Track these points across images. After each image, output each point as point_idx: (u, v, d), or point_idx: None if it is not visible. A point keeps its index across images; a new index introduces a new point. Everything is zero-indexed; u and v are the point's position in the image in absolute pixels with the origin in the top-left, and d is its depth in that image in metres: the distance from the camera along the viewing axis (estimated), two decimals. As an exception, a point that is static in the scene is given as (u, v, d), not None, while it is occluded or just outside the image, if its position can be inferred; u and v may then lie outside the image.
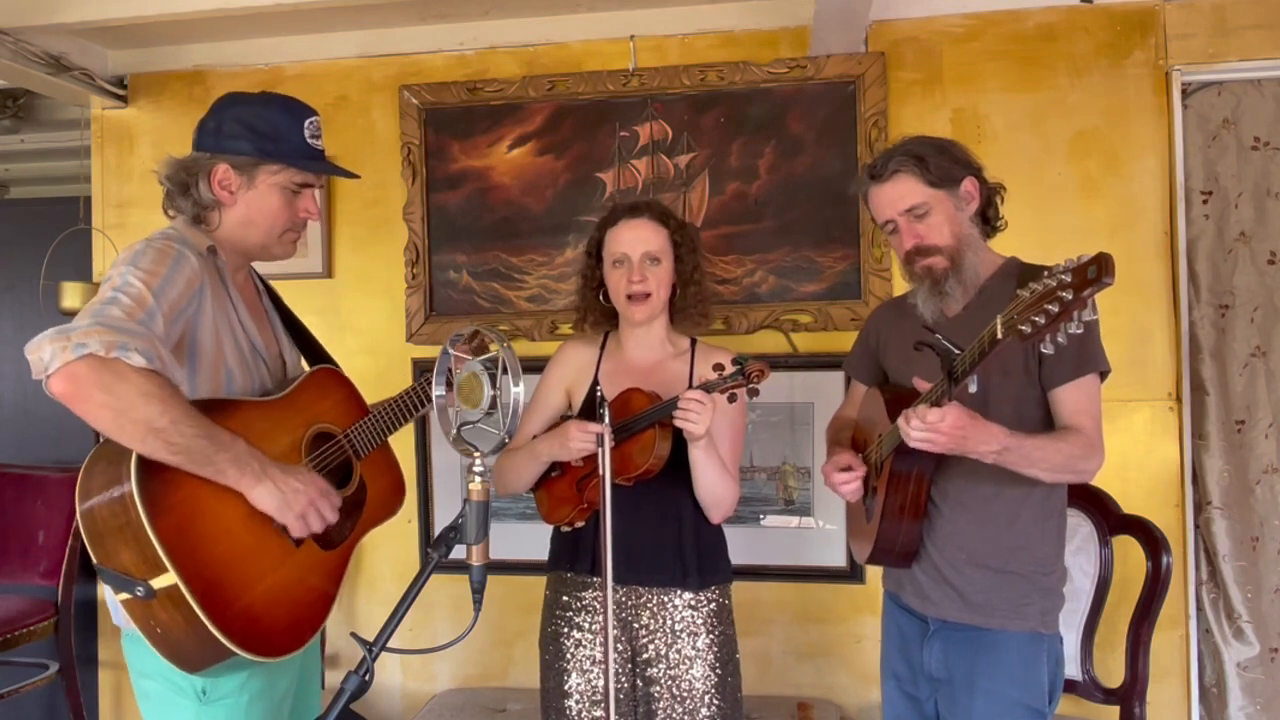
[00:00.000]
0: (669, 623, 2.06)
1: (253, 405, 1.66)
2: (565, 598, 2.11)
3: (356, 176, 2.00)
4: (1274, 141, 2.82)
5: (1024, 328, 1.45)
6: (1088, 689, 2.51)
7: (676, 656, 2.05)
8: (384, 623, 1.41)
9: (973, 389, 1.60)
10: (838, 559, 2.95)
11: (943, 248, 1.86)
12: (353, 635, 1.44)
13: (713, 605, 2.08)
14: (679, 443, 1.99)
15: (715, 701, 2.04)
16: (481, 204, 3.15)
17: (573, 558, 2.10)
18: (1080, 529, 2.54)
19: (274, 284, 1.98)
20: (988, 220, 1.95)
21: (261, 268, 1.94)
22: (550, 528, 2.17)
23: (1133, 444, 2.81)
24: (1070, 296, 1.40)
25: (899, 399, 1.78)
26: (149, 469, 1.45)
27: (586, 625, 2.08)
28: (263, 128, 1.71)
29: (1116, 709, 2.45)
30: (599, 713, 2.06)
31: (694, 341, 2.20)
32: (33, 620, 3.13)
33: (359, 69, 3.22)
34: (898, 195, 1.88)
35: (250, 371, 1.72)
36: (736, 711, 2.09)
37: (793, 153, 2.97)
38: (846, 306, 2.93)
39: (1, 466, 3.46)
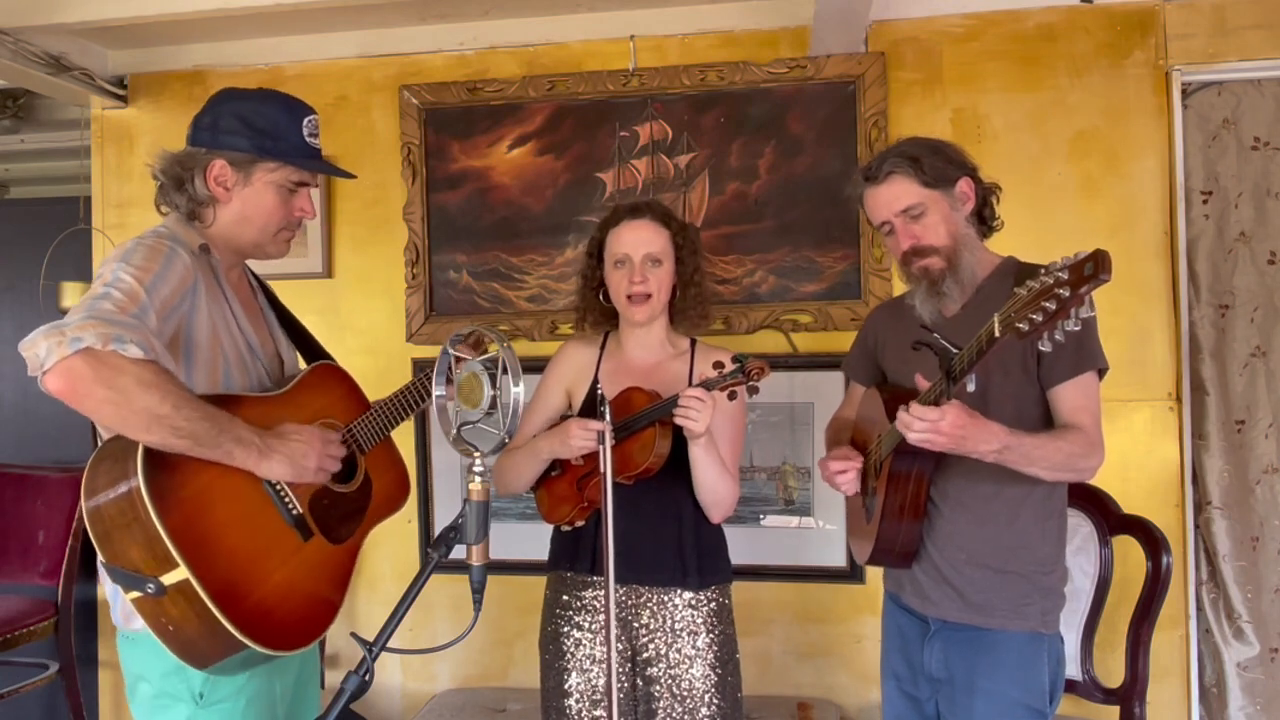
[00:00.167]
0: (669, 622, 2.06)
1: (256, 400, 1.65)
2: (565, 597, 2.11)
3: (353, 176, 1.99)
4: (1274, 141, 2.82)
5: (1022, 325, 1.46)
6: (1088, 689, 2.51)
7: (676, 656, 2.05)
8: (384, 623, 1.41)
9: (971, 388, 1.61)
10: (838, 559, 2.95)
11: (939, 248, 1.86)
12: (353, 635, 1.44)
13: (713, 605, 2.08)
14: (679, 442, 1.99)
15: (715, 701, 2.04)
16: (481, 204, 3.15)
17: (573, 557, 2.10)
18: (1080, 529, 2.54)
19: (274, 284, 1.97)
20: (984, 220, 1.95)
21: (261, 267, 1.94)
22: (550, 528, 2.17)
23: (1133, 444, 2.81)
24: (1068, 294, 1.40)
25: (898, 399, 1.77)
26: (155, 464, 1.44)
27: (586, 624, 2.08)
28: (261, 124, 1.69)
29: (1116, 709, 2.45)
30: (599, 712, 2.06)
31: (694, 342, 2.20)
32: (33, 620, 3.13)
33: (359, 69, 3.22)
34: (893, 196, 1.88)
35: (248, 370, 1.71)
36: (736, 711, 2.09)
37: (793, 153, 2.97)
38: (846, 306, 2.93)
39: (1, 466, 3.46)
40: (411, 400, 1.90)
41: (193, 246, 1.64)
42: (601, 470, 1.73)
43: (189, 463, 1.47)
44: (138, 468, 1.43)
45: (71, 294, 3.47)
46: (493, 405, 1.50)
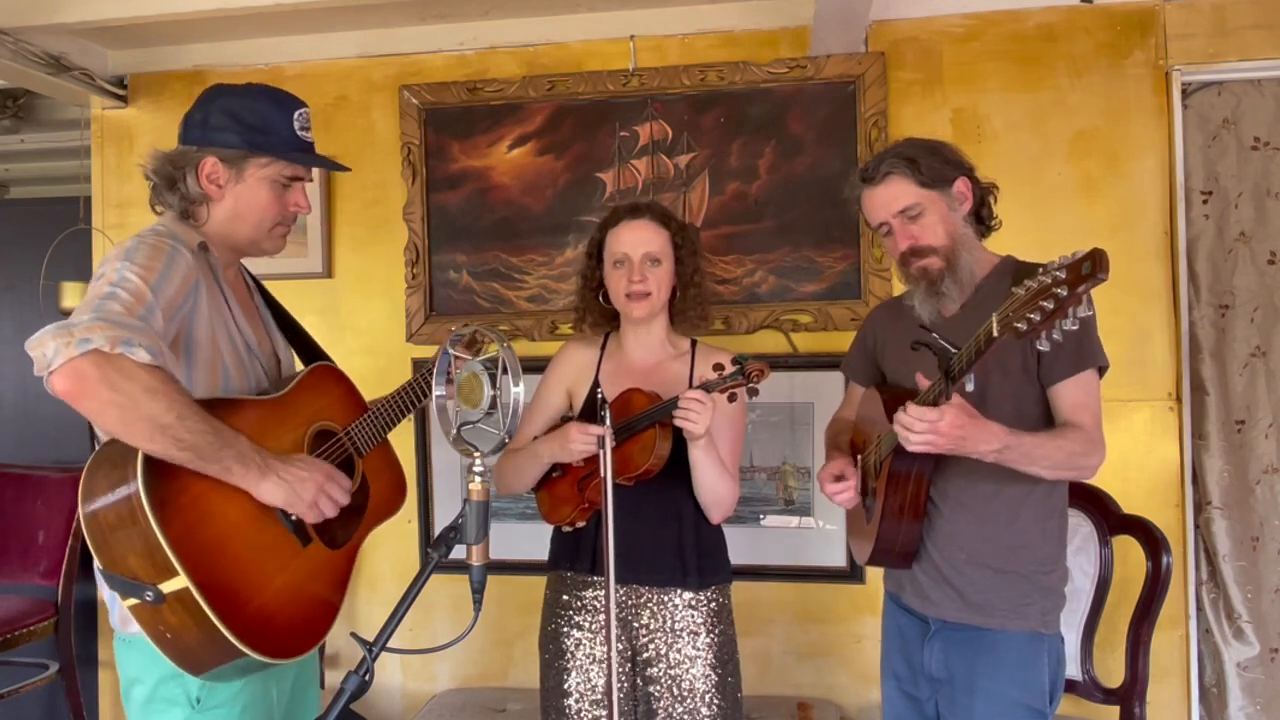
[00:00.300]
0: (669, 622, 2.06)
1: (255, 404, 1.64)
2: (565, 597, 2.11)
3: (347, 169, 1.98)
4: (1274, 141, 2.82)
5: (1020, 325, 1.46)
6: (1088, 689, 2.51)
7: (677, 656, 2.05)
8: (384, 623, 1.41)
9: (969, 387, 1.61)
10: (838, 559, 2.95)
11: (937, 248, 1.86)
12: (353, 635, 1.44)
13: (713, 605, 2.08)
14: (679, 443, 1.99)
15: (715, 701, 2.04)
16: (481, 204, 3.15)
17: (573, 557, 2.10)
18: (1080, 529, 2.54)
19: (274, 284, 1.96)
20: (982, 220, 1.95)
21: (261, 267, 1.93)
22: (550, 528, 2.17)
23: (1133, 444, 2.81)
24: (1065, 293, 1.40)
25: (897, 399, 1.77)
26: (155, 470, 1.42)
27: (586, 624, 2.08)
28: (251, 120, 1.68)
29: (1116, 709, 2.45)
30: (599, 712, 2.06)
31: (694, 343, 2.20)
32: (33, 620, 3.13)
33: (359, 69, 3.22)
34: (891, 197, 1.88)
35: (246, 370, 1.70)
36: (736, 711, 2.09)
37: (793, 153, 2.97)
38: (846, 306, 2.92)
39: (1, 466, 3.46)
40: (409, 400, 1.89)
41: (192, 245, 1.63)
42: (602, 474, 1.73)
43: (188, 470, 1.45)
44: (138, 474, 1.41)
45: (71, 294, 3.46)
46: (493, 405, 1.50)
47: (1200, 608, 2.85)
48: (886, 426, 1.81)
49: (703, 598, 2.07)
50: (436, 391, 1.59)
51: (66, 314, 3.12)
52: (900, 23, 2.94)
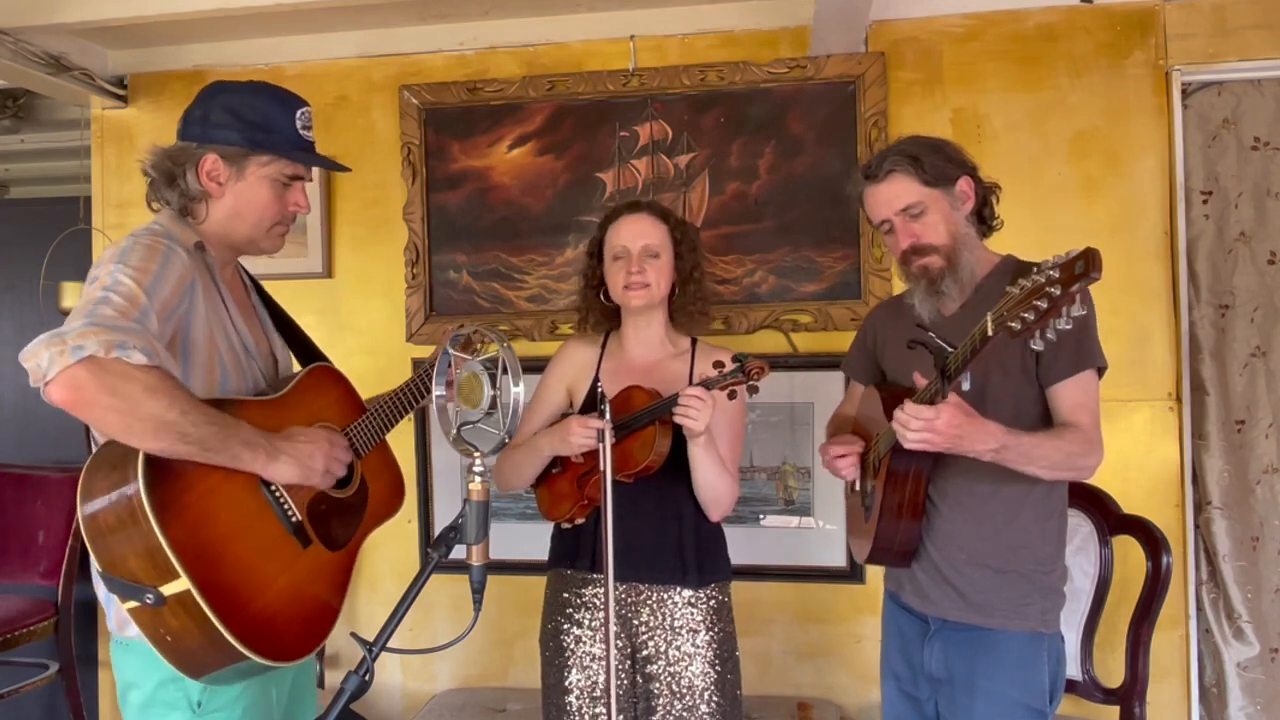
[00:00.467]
0: (668, 620, 2.06)
1: (254, 404, 1.63)
2: (565, 595, 2.11)
3: (347, 169, 1.96)
4: (1274, 141, 2.82)
5: (1014, 324, 1.46)
6: (1088, 689, 2.51)
7: (676, 654, 2.05)
8: (384, 623, 1.41)
9: (966, 386, 1.61)
10: (838, 559, 2.95)
11: (939, 247, 1.86)
12: (353, 635, 1.43)
13: (712, 603, 2.08)
14: (679, 440, 1.99)
15: (715, 699, 2.04)
16: (481, 204, 3.15)
17: (573, 555, 2.10)
18: (1080, 529, 2.54)
19: (274, 284, 1.95)
20: (984, 219, 1.95)
21: (260, 267, 1.92)
22: (550, 527, 2.17)
23: (1133, 444, 2.81)
24: (1059, 292, 1.40)
25: (896, 398, 1.78)
26: (156, 471, 1.41)
27: (586, 622, 2.08)
28: (253, 117, 1.66)
29: (1116, 709, 2.45)
30: (599, 709, 2.06)
31: (694, 341, 2.20)
32: (33, 620, 3.13)
33: (359, 69, 3.22)
34: (893, 195, 1.88)
35: (244, 370, 1.68)
36: (736, 709, 2.09)
37: (793, 153, 2.97)
38: (846, 306, 2.93)
39: (1, 466, 3.47)
40: (408, 400, 1.88)
41: (188, 244, 1.61)
42: (601, 468, 1.73)
43: (189, 470, 1.44)
44: (138, 475, 1.39)
45: (71, 294, 3.46)
46: (493, 405, 1.50)
47: (1200, 608, 2.85)
48: (886, 425, 1.81)
49: (702, 595, 2.07)
50: (436, 392, 1.58)
51: (66, 314, 3.12)
52: (900, 23, 2.94)
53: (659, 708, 2.04)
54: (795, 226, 2.97)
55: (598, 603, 2.08)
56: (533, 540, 2.49)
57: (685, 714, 2.03)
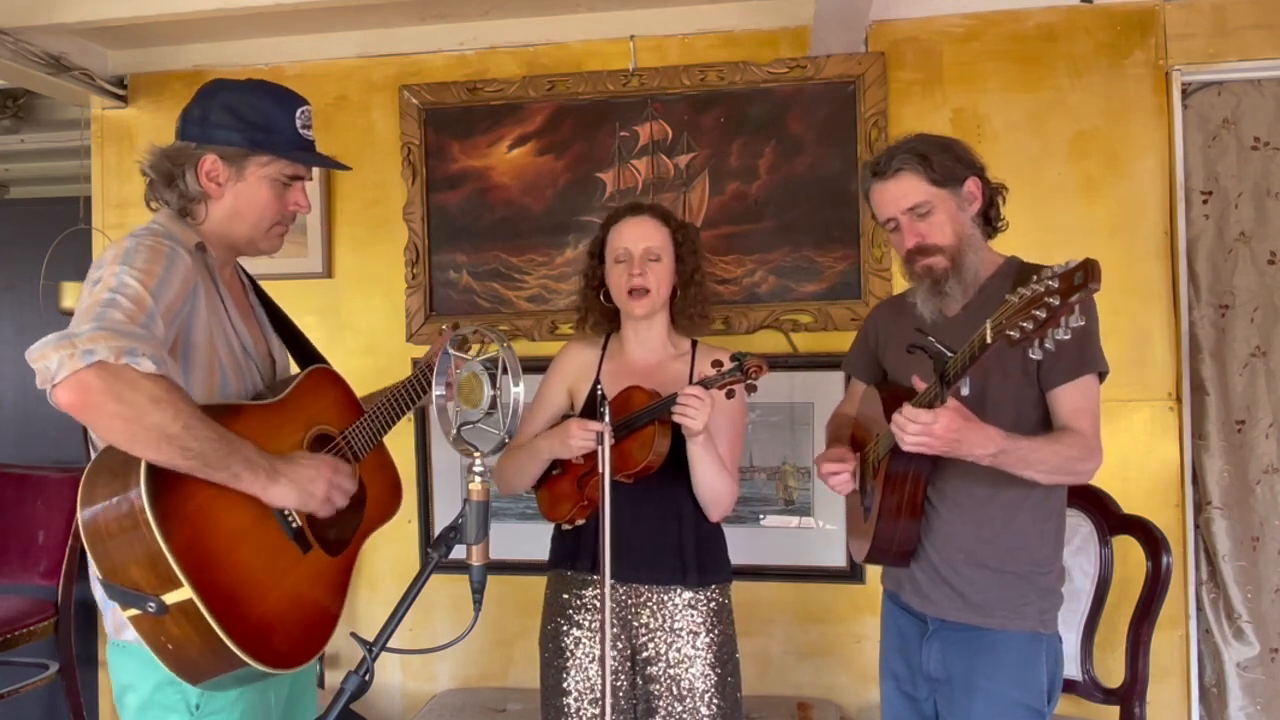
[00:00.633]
0: (669, 621, 2.06)
1: (255, 409, 1.61)
2: (565, 596, 2.11)
3: (348, 168, 1.94)
4: (1274, 141, 2.82)
5: (1012, 333, 1.46)
6: (1088, 689, 2.51)
7: (676, 655, 2.05)
8: (384, 623, 1.41)
9: (965, 391, 1.61)
10: (838, 559, 2.95)
11: (944, 247, 1.86)
12: (353, 635, 1.43)
13: (712, 604, 2.08)
14: (679, 441, 1.99)
15: (715, 701, 2.04)
16: (481, 204, 3.15)
17: (573, 556, 2.10)
18: (1080, 529, 2.54)
19: (274, 284, 1.95)
20: (989, 221, 1.95)
21: (261, 267, 1.91)
22: (550, 528, 2.17)
23: (1133, 444, 2.81)
24: (1057, 302, 1.40)
25: (896, 399, 1.78)
26: (158, 480, 1.39)
27: (586, 623, 2.08)
28: (253, 117, 1.64)
29: (1116, 709, 2.45)
30: (598, 710, 2.06)
31: (695, 342, 2.20)
32: (33, 620, 3.13)
33: (359, 69, 3.22)
34: (900, 193, 1.88)
35: (243, 372, 1.67)
36: (736, 711, 2.09)
37: (793, 153, 2.97)
38: (846, 306, 2.93)
39: (1, 466, 3.47)
40: (405, 401, 1.87)
41: (189, 245, 1.60)
42: (600, 470, 1.73)
43: (191, 478, 1.43)
44: (140, 482, 1.38)
45: (71, 294, 3.46)
46: (493, 405, 1.50)
47: (1200, 608, 2.85)
48: (885, 425, 1.81)
49: (702, 597, 2.07)
50: (436, 392, 1.58)
51: (66, 314, 3.13)
52: (900, 23, 2.94)
53: (659, 709, 2.04)
54: (795, 226, 2.97)
55: (597, 604, 2.07)
56: (533, 540, 2.49)
57: (686, 717, 2.03)
